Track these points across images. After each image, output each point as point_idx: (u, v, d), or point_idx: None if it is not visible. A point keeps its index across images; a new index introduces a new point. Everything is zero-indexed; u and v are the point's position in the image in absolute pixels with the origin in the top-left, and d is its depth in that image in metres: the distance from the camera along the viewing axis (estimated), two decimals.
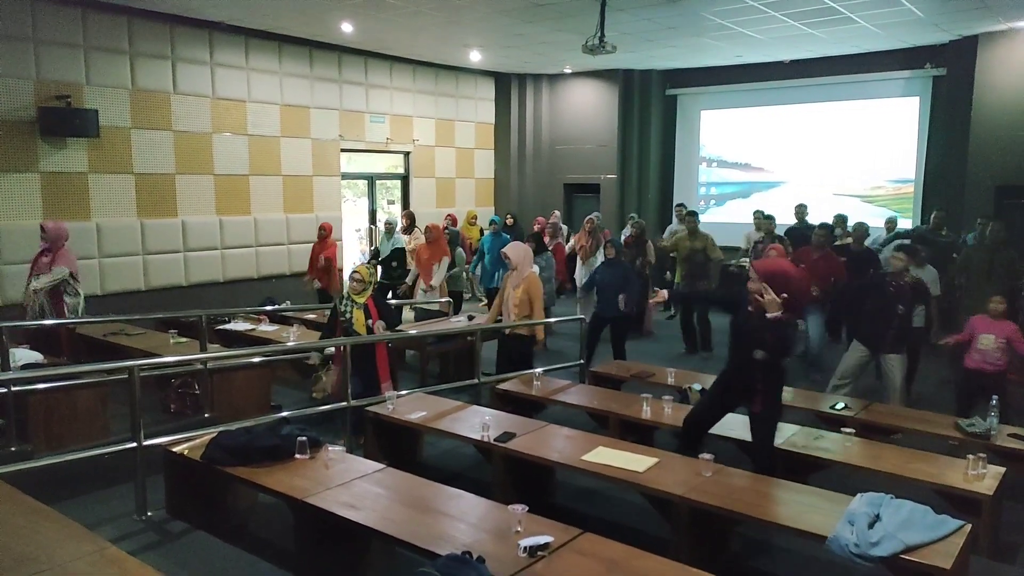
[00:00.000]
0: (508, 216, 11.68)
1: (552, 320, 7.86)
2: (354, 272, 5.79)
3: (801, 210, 10.02)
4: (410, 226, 10.57)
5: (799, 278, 4.51)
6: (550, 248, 9.64)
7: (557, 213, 11.96)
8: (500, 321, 6.65)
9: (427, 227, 9.26)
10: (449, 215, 11.65)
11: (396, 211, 12.55)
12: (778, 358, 4.30)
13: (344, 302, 5.76)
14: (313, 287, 9.45)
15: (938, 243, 8.36)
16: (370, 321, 5.64)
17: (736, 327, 4.52)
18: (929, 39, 10.33)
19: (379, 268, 9.68)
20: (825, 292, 7.25)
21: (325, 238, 9.38)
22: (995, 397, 5.02)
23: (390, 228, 9.85)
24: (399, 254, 9.66)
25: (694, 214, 9.23)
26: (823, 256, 7.58)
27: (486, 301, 9.55)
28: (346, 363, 5.39)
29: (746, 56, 11.67)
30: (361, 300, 5.67)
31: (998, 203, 9.78)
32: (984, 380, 5.60)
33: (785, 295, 4.15)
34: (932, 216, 9.10)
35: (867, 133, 11.82)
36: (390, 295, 9.31)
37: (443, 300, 8.90)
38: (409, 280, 9.22)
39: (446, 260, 9.05)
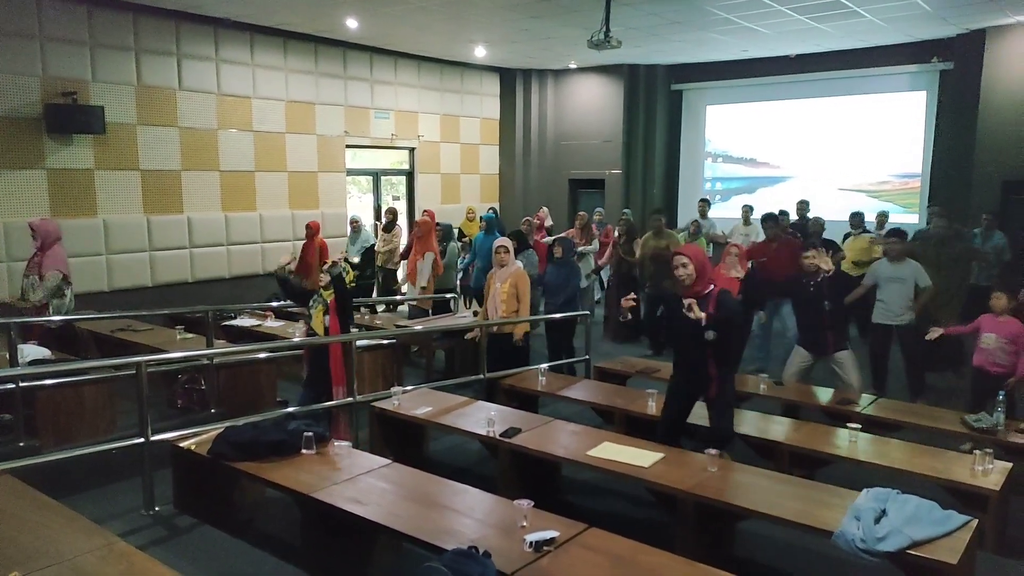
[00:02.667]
0: (490, 209, 11.52)
1: (542, 317, 7.83)
2: (325, 266, 5.54)
3: (803, 206, 9.98)
4: (391, 223, 10.42)
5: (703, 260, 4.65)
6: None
7: (545, 209, 11.75)
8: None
9: (416, 222, 8.99)
10: (427, 211, 10.48)
11: (401, 207, 12.56)
12: (727, 329, 4.35)
13: (313, 298, 5.55)
14: (284, 268, 9.01)
15: (931, 237, 8.19)
16: (327, 318, 5.38)
17: (674, 325, 4.55)
18: (936, 33, 10.28)
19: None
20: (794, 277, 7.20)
21: (313, 237, 9.08)
22: (1002, 392, 4.99)
23: (357, 227, 9.50)
24: (369, 254, 9.43)
25: (659, 212, 9.10)
26: (781, 244, 7.60)
27: (475, 307, 9.00)
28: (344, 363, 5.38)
29: (752, 51, 11.63)
30: (327, 296, 5.42)
31: (1005, 198, 9.75)
32: (990, 381, 5.43)
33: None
34: (928, 212, 9.06)
35: (873, 128, 11.78)
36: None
37: (426, 298, 8.66)
38: (400, 278, 8.85)
39: (430, 256, 8.74)
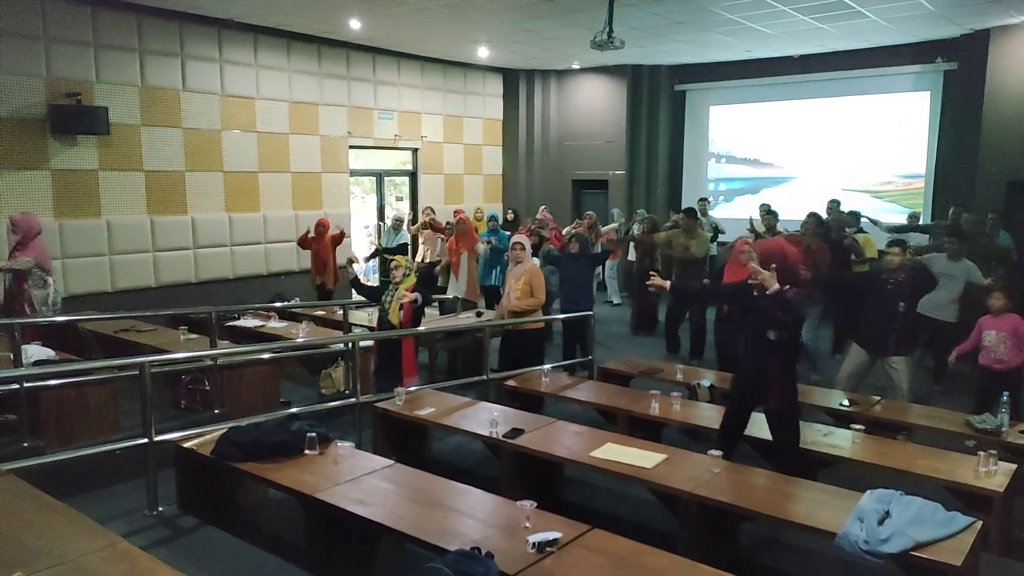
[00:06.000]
0: (509, 211, 11.62)
1: (549, 318, 7.86)
2: (392, 261, 5.92)
3: (834, 205, 9.91)
4: (428, 223, 10.77)
5: (795, 256, 4.59)
6: None
7: (544, 208, 11.79)
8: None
9: (458, 219, 9.31)
10: (458, 211, 11.46)
11: (404, 207, 12.58)
12: (793, 332, 4.28)
13: (388, 291, 5.86)
14: (350, 270, 8.58)
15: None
16: (403, 312, 5.69)
17: (748, 319, 4.50)
18: (940, 33, 10.25)
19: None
20: (814, 280, 7.20)
21: (323, 234, 9.24)
22: (1006, 393, 4.98)
23: (398, 226, 9.98)
24: (401, 250, 9.67)
25: (691, 212, 9.04)
26: (810, 246, 7.63)
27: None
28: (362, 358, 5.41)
29: (755, 51, 11.61)
30: (404, 287, 5.74)
31: (1010, 198, 9.71)
32: (996, 378, 5.50)
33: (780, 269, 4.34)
34: (951, 212, 9.03)
35: (877, 128, 11.75)
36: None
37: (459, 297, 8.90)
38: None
39: (480, 247, 9.04)
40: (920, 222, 10.21)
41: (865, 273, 6.39)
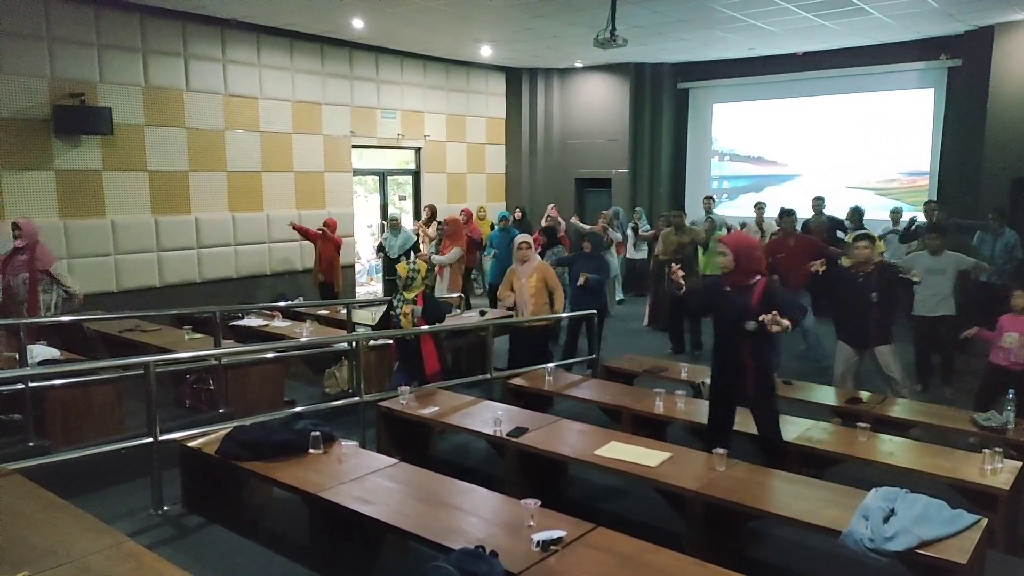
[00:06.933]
0: (517, 210, 11.67)
1: (566, 315, 7.86)
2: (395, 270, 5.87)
3: (818, 203, 9.99)
4: (430, 219, 10.77)
5: (759, 245, 4.90)
6: None
7: (552, 206, 11.83)
8: (512, 311, 6.68)
9: (445, 220, 9.34)
10: (464, 210, 11.51)
11: (407, 206, 12.60)
12: (792, 316, 4.24)
13: (396, 298, 5.79)
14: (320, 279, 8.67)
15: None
16: (417, 319, 5.64)
17: (718, 314, 4.54)
18: (944, 30, 10.22)
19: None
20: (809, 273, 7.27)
21: (329, 234, 9.32)
22: (1012, 391, 4.96)
23: (396, 224, 9.97)
24: (412, 251, 9.73)
25: (680, 209, 9.19)
26: (798, 240, 7.75)
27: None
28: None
29: (758, 49, 11.59)
30: (410, 296, 5.66)
31: (1015, 196, 9.68)
32: (1007, 378, 5.43)
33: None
34: (924, 209, 9.18)
35: (881, 125, 11.73)
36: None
37: (454, 296, 8.89)
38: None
39: (457, 250, 9.02)
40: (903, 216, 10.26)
41: (836, 273, 6.46)
